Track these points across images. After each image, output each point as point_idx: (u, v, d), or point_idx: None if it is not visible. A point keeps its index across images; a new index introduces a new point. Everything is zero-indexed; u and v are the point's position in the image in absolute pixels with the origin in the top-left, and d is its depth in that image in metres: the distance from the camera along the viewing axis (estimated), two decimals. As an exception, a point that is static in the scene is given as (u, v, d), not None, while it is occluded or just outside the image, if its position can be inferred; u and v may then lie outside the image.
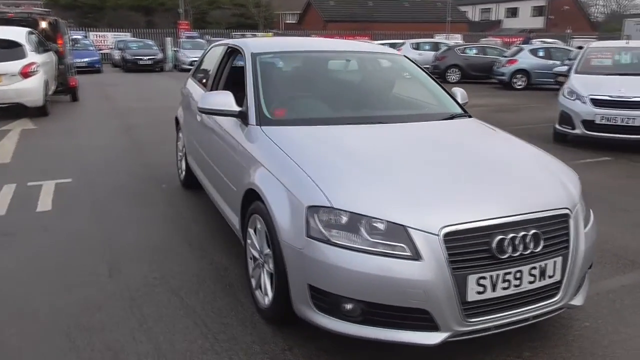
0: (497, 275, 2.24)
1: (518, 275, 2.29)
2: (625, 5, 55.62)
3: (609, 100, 7.02)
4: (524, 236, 2.29)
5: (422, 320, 2.21)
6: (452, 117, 3.45)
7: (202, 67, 4.96)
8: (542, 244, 2.33)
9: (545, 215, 2.39)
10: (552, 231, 2.39)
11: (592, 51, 8.26)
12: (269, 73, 3.50)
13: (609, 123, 6.98)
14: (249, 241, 2.98)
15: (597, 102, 7.07)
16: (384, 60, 4.03)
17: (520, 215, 2.33)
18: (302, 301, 2.39)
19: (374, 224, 2.23)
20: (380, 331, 2.25)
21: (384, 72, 3.93)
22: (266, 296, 2.76)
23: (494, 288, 2.25)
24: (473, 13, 57.27)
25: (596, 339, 2.68)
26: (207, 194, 4.19)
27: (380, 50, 4.07)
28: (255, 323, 2.80)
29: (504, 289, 2.27)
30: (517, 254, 2.28)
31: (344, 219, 2.27)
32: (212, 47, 4.95)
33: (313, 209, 2.33)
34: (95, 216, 4.43)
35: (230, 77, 4.32)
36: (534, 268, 2.32)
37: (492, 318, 2.28)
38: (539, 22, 48.69)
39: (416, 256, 2.17)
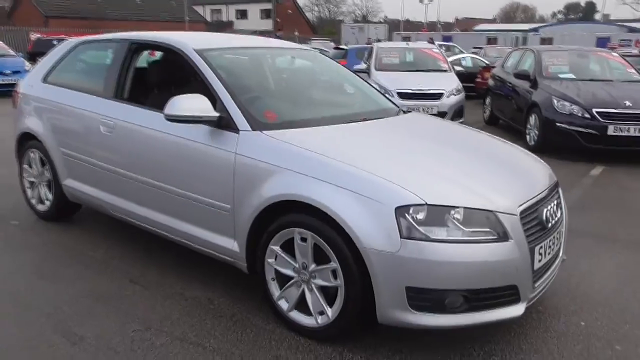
0: (546, 243, 2.59)
1: (553, 240, 2.68)
2: (335, 12, 64.42)
3: (412, 92, 8.24)
4: (553, 206, 2.70)
5: (510, 295, 2.40)
6: (398, 111, 3.66)
7: (70, 68, 4.02)
8: (560, 211, 2.78)
9: (552, 187, 2.84)
10: (558, 200, 2.85)
11: (381, 51, 9.52)
12: (228, 72, 3.12)
13: (414, 112, 8.18)
14: (270, 260, 2.68)
15: (402, 95, 8.21)
16: (315, 57, 3.98)
17: (546, 190, 2.72)
18: (396, 305, 2.32)
19: (463, 214, 2.31)
20: (478, 315, 2.36)
21: (323, 69, 3.89)
22: (320, 315, 2.55)
23: (545, 254, 2.59)
24: (204, 13, 58.07)
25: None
26: (120, 219, 3.49)
27: (303, 47, 4.02)
28: (312, 347, 2.55)
29: (548, 254, 2.63)
30: (554, 222, 2.67)
31: (435, 214, 2.29)
32: (78, 44, 4.04)
33: (403, 208, 2.28)
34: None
35: (143, 77, 3.68)
36: (558, 232, 2.75)
37: (543, 280, 2.61)
38: (268, 25, 52.40)
39: (505, 237, 2.34)
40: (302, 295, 2.61)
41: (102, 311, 2.84)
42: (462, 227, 2.29)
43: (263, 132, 2.76)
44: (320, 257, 2.51)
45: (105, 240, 3.80)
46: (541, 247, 2.52)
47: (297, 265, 2.60)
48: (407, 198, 2.29)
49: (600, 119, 6.49)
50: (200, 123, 2.84)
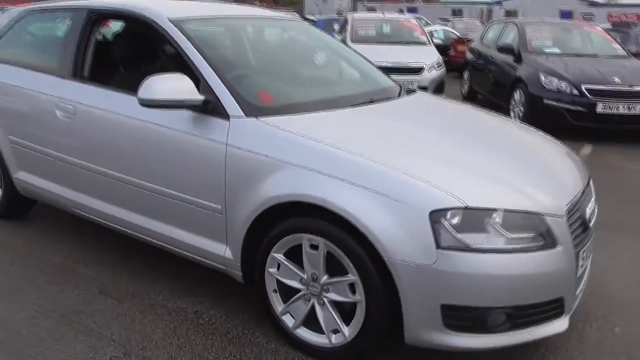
0: (588, 246, 2.28)
1: (592, 241, 2.37)
2: (297, -18, 62.61)
3: (391, 66, 7.82)
4: (592, 203, 2.39)
5: (555, 308, 2.08)
6: (401, 91, 3.25)
7: (16, 42, 3.42)
8: (596, 208, 2.48)
9: (588, 181, 2.52)
10: (592, 195, 2.54)
11: (357, 22, 9.04)
12: (211, 46, 2.64)
13: (395, 88, 7.82)
14: (271, 270, 2.28)
15: (383, 70, 7.78)
16: (307, 29, 3.52)
17: (585, 185, 2.41)
18: (428, 325, 1.96)
19: (506, 217, 1.96)
20: (521, 334, 2.03)
21: (316, 43, 3.42)
22: (334, 334, 2.18)
23: (586, 258, 2.28)
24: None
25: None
26: (83, 217, 2.99)
27: (291, 18, 3.55)
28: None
29: (589, 257, 2.33)
30: (594, 220, 2.36)
31: (475, 218, 1.93)
32: (25, 14, 3.43)
33: (439, 213, 1.90)
34: None
35: (106, 53, 3.15)
36: (592, 231, 2.45)
37: (581, 287, 2.31)
38: (228, -5, 50.63)
39: (552, 244, 2.01)
40: (312, 310, 2.23)
41: (68, 333, 2.38)
42: (505, 233, 1.94)
43: (259, 118, 2.32)
44: (333, 267, 2.13)
45: (66, 241, 3.28)
46: (584, 251, 2.21)
47: (305, 277, 2.20)
48: (444, 200, 1.92)
49: (589, 96, 6.28)
50: (182, 108, 2.37)
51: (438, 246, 1.89)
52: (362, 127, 2.43)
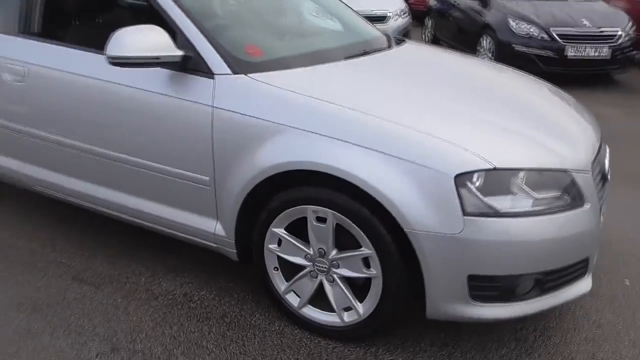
0: (607, 200, 2.17)
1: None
2: None
3: (367, 16, 7.47)
4: (607, 154, 2.27)
5: (579, 269, 1.97)
6: (390, 41, 2.99)
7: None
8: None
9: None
10: (603, 144, 2.42)
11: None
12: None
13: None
14: (271, 246, 2.05)
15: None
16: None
17: (601, 139, 2.27)
18: (453, 298, 1.81)
19: (532, 177, 1.79)
20: (548, 299, 1.91)
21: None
22: (346, 312, 2.00)
23: (604, 213, 2.17)
24: None
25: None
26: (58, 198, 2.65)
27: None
28: (339, 350, 2.01)
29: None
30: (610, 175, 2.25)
31: (500, 179, 1.76)
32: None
33: (465, 176, 1.71)
34: None
35: (59, 3, 2.72)
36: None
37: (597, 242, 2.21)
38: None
39: (580, 202, 1.87)
40: (319, 287, 2.03)
41: (45, 329, 2.10)
42: (533, 193, 1.78)
43: (248, 75, 2.03)
44: (341, 240, 1.93)
45: (30, 222, 2.92)
46: (603, 205, 2.10)
47: (311, 252, 2.00)
48: (470, 162, 1.73)
49: (560, 40, 6.18)
50: (158, 66, 2.05)
51: (464, 213, 1.71)
52: (364, 81, 2.17)
